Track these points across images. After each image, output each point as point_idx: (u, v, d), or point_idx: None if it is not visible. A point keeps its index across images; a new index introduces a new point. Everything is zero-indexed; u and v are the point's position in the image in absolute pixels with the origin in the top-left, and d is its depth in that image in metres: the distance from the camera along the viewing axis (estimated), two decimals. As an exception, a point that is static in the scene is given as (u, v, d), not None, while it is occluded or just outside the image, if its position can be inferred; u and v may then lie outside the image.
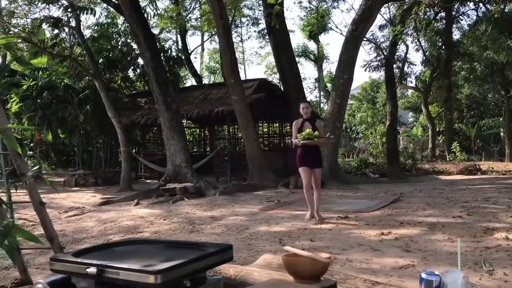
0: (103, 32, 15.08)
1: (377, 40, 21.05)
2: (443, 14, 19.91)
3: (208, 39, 28.57)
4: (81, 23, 13.35)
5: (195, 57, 29.20)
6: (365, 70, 21.34)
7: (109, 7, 14.53)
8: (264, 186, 10.56)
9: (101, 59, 14.83)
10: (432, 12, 19.24)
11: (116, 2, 12.13)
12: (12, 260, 2.90)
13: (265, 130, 16.74)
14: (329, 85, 29.15)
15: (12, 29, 13.36)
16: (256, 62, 39.00)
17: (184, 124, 14.22)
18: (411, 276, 3.34)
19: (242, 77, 15.56)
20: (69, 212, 8.15)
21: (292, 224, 5.85)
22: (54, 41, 13.49)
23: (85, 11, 12.90)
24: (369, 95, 30.07)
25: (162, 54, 14.46)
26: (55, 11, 24.46)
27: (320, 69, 30.68)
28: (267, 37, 20.80)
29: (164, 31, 22.02)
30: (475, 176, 13.09)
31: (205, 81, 28.73)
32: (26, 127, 13.96)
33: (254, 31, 28.21)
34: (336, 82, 11.90)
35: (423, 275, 1.30)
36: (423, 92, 22.33)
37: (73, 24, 13.19)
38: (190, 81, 27.72)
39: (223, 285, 1.31)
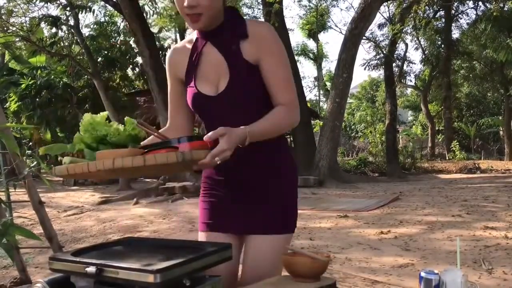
0: (102, 30, 15.06)
1: (377, 39, 21.11)
2: (442, 12, 19.93)
3: (207, 38, 28.52)
4: (80, 21, 13.34)
5: (194, 56, 29.13)
6: (365, 69, 21.44)
7: (107, 5, 14.51)
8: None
9: (100, 58, 14.81)
10: (431, 10, 19.26)
11: (115, 0, 12.11)
12: (11, 259, 2.89)
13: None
14: (328, 83, 29.14)
15: (10, 27, 13.33)
16: (255, 61, 38.90)
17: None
18: (411, 275, 3.35)
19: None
20: (68, 211, 8.14)
21: (291, 223, 5.83)
22: (53, 39, 13.47)
23: (84, 10, 12.88)
24: (368, 93, 30.12)
25: (161, 52, 14.43)
26: (54, 10, 24.49)
27: (319, 68, 30.68)
28: (266, 35, 20.75)
29: (163, 29, 21.99)
30: (475, 175, 13.10)
31: (204, 80, 28.66)
32: (24, 126, 13.95)
33: (253, 29, 28.17)
34: (336, 80, 11.89)
35: (422, 274, 1.30)
36: (423, 91, 22.36)
37: (71, 22, 13.16)
38: (189, 80, 27.68)
39: (222, 284, 1.31)
